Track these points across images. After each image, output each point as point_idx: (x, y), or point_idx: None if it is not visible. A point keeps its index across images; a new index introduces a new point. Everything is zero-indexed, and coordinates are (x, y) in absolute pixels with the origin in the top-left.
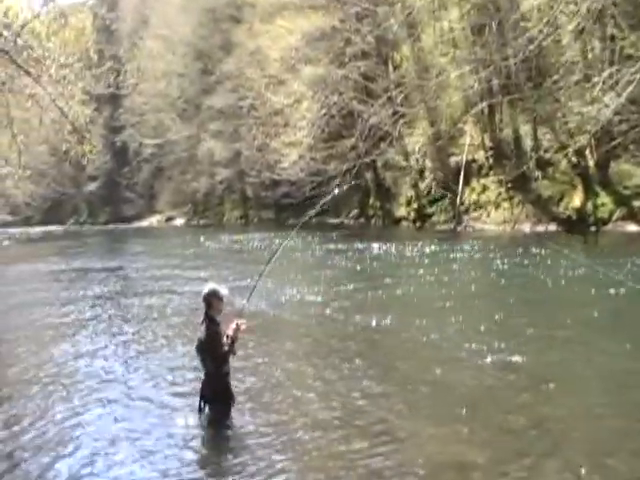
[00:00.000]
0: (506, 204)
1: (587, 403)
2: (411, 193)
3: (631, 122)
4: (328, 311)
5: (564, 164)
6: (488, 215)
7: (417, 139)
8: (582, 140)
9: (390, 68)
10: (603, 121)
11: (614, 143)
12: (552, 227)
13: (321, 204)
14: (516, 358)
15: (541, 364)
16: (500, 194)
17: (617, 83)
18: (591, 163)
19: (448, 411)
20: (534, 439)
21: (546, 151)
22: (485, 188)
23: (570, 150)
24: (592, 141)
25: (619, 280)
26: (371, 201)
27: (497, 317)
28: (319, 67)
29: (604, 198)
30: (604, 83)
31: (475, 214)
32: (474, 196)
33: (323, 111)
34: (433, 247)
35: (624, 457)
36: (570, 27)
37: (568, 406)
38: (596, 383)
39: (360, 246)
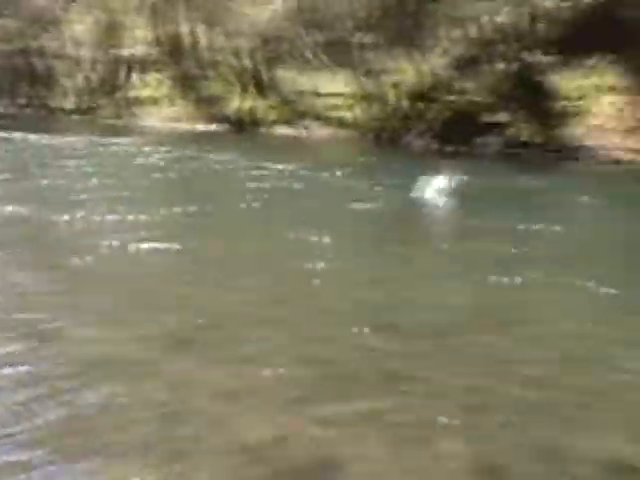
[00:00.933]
0: (174, 101)
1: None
2: (73, 83)
3: (294, 30)
4: None
5: (232, 65)
6: (156, 111)
7: (81, 27)
8: (251, 41)
9: None
10: (273, 24)
11: (279, 49)
12: (221, 127)
13: None
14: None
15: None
16: (167, 91)
17: None
18: (256, 67)
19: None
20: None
21: (215, 51)
22: (151, 84)
23: (238, 51)
24: (259, 44)
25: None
26: (25, 88)
27: (153, 208)
28: None
29: (268, 102)
30: None
31: (142, 110)
32: (140, 91)
33: None
34: (95, 139)
35: None
36: None
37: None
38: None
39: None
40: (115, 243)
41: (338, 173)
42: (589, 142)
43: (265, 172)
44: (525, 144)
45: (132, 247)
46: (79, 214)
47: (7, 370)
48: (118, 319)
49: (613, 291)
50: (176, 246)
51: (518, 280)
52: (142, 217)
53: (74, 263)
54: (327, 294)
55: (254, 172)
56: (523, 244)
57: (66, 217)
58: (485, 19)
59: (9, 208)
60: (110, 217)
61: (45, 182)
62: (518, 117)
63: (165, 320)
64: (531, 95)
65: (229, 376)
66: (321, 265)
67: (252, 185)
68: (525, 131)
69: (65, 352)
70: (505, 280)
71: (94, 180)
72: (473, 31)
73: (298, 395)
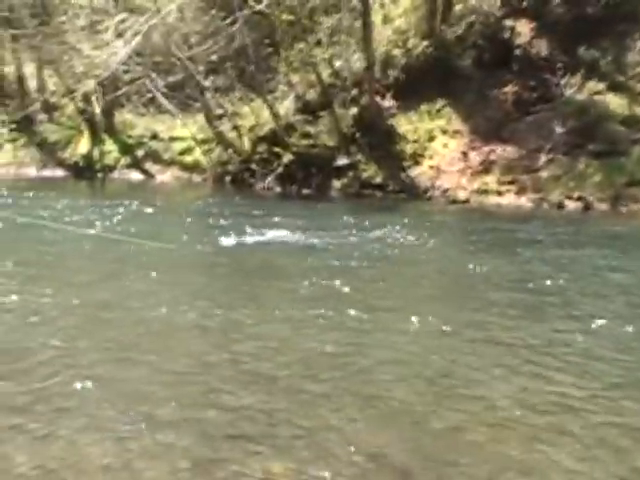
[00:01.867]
0: (9, 146)
1: None
2: None
3: (135, 73)
4: None
5: (70, 108)
6: None
7: None
8: (90, 84)
9: None
10: (114, 67)
11: (120, 92)
12: (60, 172)
13: None
14: None
15: None
16: (2, 135)
17: (126, 31)
18: (97, 110)
19: None
20: None
21: (53, 93)
22: None
23: (77, 94)
24: (99, 88)
25: None
26: None
27: None
28: None
29: (110, 146)
30: (115, 29)
31: None
32: None
33: None
34: None
35: None
36: None
37: None
38: None
39: None
40: None
41: (182, 215)
42: (431, 183)
43: (111, 215)
44: (369, 185)
45: None
46: None
47: None
48: None
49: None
50: None
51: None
52: None
53: None
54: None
55: (95, 215)
56: None
57: None
58: (329, 64)
59: None
60: None
61: None
62: (362, 159)
63: None
64: (375, 138)
65: None
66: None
67: (94, 229)
68: (369, 172)
69: None
70: None
71: None
72: (314, 76)
73: None
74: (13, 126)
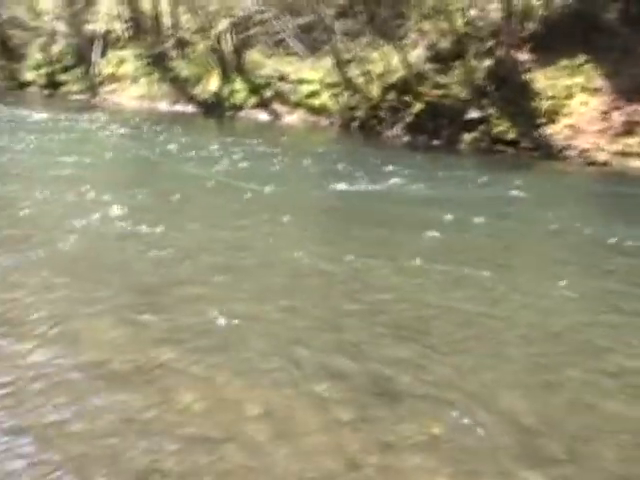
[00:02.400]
0: (144, 80)
1: None
2: (41, 56)
3: (267, 13)
4: None
5: (202, 46)
6: (125, 89)
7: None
8: (225, 23)
9: None
10: (250, 6)
11: (251, 32)
12: (190, 108)
13: None
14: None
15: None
16: (138, 69)
17: None
18: (228, 49)
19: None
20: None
21: (185, 30)
22: (122, 61)
23: (212, 32)
24: (231, 27)
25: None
26: None
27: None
28: None
29: (239, 85)
30: None
31: (111, 87)
32: (110, 68)
33: None
34: (62, 115)
35: None
36: None
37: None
38: None
39: None
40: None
41: (305, 158)
42: (568, 142)
43: (235, 154)
44: (501, 141)
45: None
46: (38, 191)
47: None
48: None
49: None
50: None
51: None
52: (104, 197)
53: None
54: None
55: (220, 153)
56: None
57: (25, 194)
58: (463, 13)
59: None
60: (69, 196)
61: (5, 157)
62: (494, 114)
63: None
64: (509, 92)
65: None
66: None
67: (219, 167)
68: (501, 128)
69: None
70: None
71: (54, 157)
72: (447, 25)
73: None
74: (148, 60)
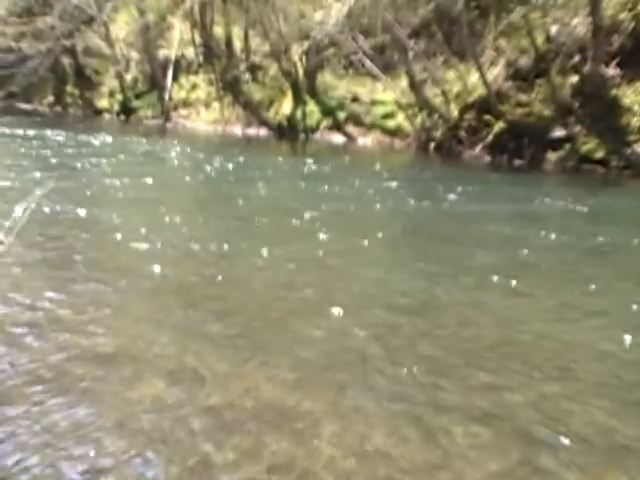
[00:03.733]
0: (216, 104)
1: None
2: (115, 84)
3: (342, 34)
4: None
5: (274, 69)
6: (198, 114)
7: (122, 27)
8: (304, 45)
9: None
10: (329, 28)
11: (327, 53)
12: (263, 131)
13: None
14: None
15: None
16: (210, 93)
17: None
18: (301, 71)
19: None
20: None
21: (255, 54)
22: (195, 86)
23: (291, 55)
24: (307, 49)
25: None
26: (69, 88)
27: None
28: None
29: (312, 107)
30: None
31: (184, 112)
32: (183, 93)
33: None
34: (137, 140)
35: None
36: None
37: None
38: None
39: (54, 135)
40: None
41: (385, 182)
42: None
43: (311, 178)
44: (589, 160)
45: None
46: (116, 213)
47: None
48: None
49: None
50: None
51: None
52: (185, 219)
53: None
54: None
55: (296, 175)
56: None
57: (103, 216)
58: (544, 29)
59: (49, 206)
60: (145, 218)
61: (84, 180)
62: (581, 131)
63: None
64: (596, 109)
65: None
66: None
67: (295, 189)
68: (589, 146)
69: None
70: None
71: (131, 180)
72: (526, 42)
73: None
74: (220, 85)
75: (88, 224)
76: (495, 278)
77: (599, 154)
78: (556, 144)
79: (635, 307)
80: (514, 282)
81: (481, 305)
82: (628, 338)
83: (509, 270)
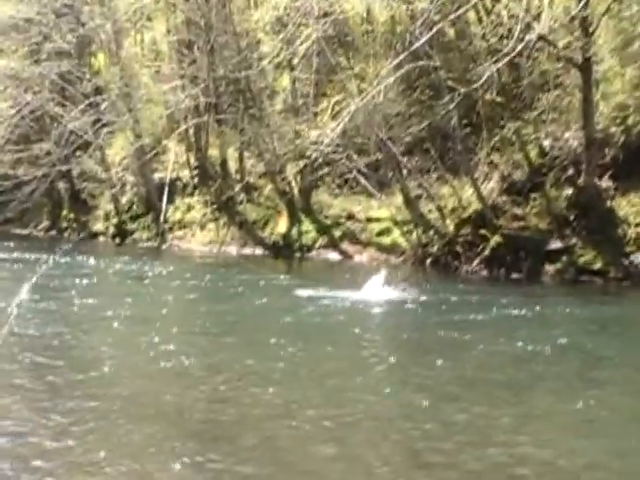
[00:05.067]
0: (212, 225)
1: None
2: (110, 207)
3: (336, 154)
4: None
5: (269, 189)
6: (193, 235)
7: (118, 151)
8: (299, 165)
9: (88, 72)
10: (325, 148)
11: (322, 172)
12: (259, 251)
13: None
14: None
15: None
16: (205, 215)
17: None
18: (296, 190)
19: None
20: None
21: (250, 174)
22: (190, 207)
23: (286, 175)
24: (299, 169)
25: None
26: (64, 213)
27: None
28: (11, 60)
29: (307, 225)
30: (332, 110)
31: (180, 233)
32: (178, 215)
33: (14, 110)
34: (131, 263)
35: None
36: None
37: None
38: None
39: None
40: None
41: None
42: None
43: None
44: (587, 271)
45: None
46: (105, 336)
47: None
48: None
49: None
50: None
51: None
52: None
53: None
54: None
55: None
56: None
57: (93, 339)
58: (537, 143)
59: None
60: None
61: (77, 303)
62: (578, 243)
63: None
64: (592, 221)
65: None
66: None
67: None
68: (587, 258)
69: None
70: None
71: (122, 305)
72: (520, 156)
73: None
74: (215, 206)
75: (66, 345)
76: None
77: (597, 265)
78: (553, 256)
79: None
80: None
81: None
82: None
83: None
